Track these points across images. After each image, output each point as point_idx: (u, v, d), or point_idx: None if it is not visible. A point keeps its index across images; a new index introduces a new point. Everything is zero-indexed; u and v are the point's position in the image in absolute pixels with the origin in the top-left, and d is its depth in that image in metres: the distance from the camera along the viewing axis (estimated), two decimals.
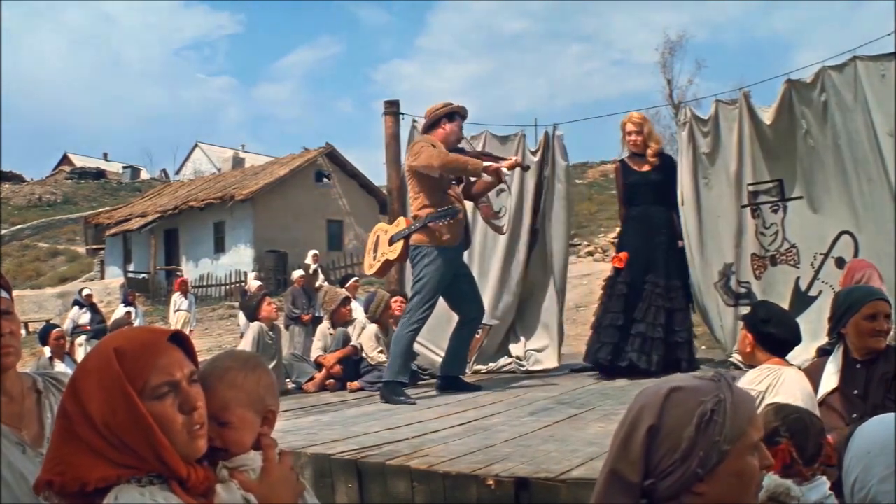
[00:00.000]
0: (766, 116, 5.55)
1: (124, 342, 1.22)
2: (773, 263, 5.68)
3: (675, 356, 5.30)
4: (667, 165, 5.66)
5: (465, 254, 6.41)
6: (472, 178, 5.27)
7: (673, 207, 5.66)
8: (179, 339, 1.27)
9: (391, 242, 5.22)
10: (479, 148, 6.10)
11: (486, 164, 4.94)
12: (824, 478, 2.00)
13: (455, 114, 5.19)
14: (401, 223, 5.29)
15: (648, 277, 5.40)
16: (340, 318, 6.27)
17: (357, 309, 7.27)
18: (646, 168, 5.56)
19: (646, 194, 5.57)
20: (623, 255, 5.50)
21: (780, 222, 5.65)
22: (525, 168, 5.75)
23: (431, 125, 5.20)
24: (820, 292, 5.48)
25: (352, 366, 5.87)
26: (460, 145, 5.29)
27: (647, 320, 5.31)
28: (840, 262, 5.37)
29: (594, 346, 5.55)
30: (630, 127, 5.55)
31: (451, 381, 5.30)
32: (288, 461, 1.39)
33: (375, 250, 5.38)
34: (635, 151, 5.57)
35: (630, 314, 5.37)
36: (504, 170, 5.05)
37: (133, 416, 1.16)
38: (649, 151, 5.54)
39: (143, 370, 1.19)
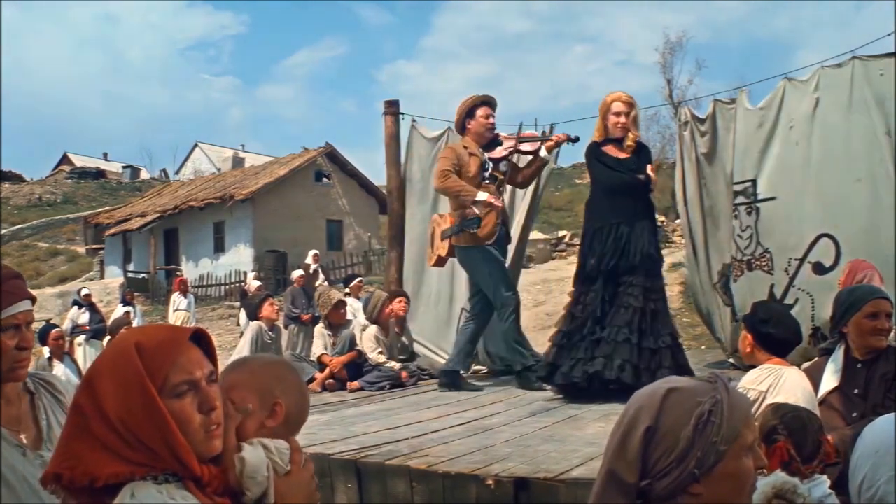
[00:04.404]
0: (757, 113, 5.44)
1: (145, 338, 1.20)
2: (750, 268, 5.47)
3: (659, 365, 4.49)
4: (643, 153, 4.96)
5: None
6: (531, 162, 5.38)
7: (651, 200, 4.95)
8: (198, 339, 1.26)
9: (442, 238, 5.32)
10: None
11: (478, 198, 5.04)
12: (824, 476, 2.00)
13: (474, 108, 5.25)
14: (446, 220, 5.33)
15: (623, 278, 4.66)
16: (336, 321, 6.25)
17: (358, 310, 7.27)
18: (624, 156, 4.85)
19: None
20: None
21: (753, 225, 5.41)
22: (574, 140, 5.41)
23: (462, 127, 5.32)
24: (796, 300, 5.19)
25: (353, 366, 5.88)
26: (497, 132, 5.33)
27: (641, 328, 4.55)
28: (818, 267, 5.12)
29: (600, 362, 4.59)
30: (620, 106, 4.82)
31: (450, 375, 5.30)
32: (311, 468, 1.38)
33: (432, 244, 5.50)
34: (618, 136, 4.85)
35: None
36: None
37: (151, 412, 1.14)
38: (631, 136, 4.83)
39: (163, 367, 1.17)
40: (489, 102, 5.32)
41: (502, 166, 5.26)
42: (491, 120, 5.28)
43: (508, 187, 5.81)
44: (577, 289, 4.85)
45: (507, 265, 5.44)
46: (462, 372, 5.47)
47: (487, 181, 5.21)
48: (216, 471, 1.22)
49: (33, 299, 1.63)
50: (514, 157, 5.31)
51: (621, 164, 4.80)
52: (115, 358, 1.19)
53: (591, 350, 4.57)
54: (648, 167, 4.81)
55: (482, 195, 5.08)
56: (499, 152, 5.25)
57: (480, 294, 5.32)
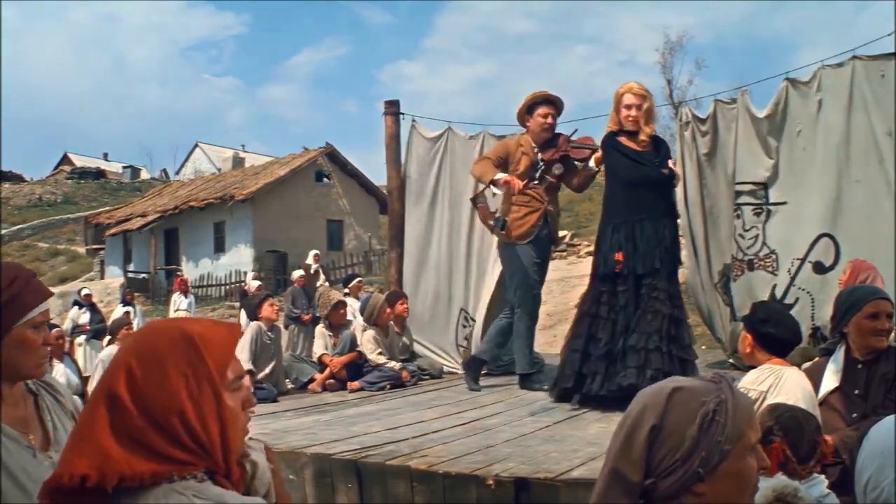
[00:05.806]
0: (762, 116, 5.43)
1: (205, 331, 1.14)
2: (751, 268, 5.46)
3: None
4: (662, 147, 4.66)
5: (464, 255, 6.46)
6: (580, 170, 5.19)
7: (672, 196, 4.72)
8: None
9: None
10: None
11: (496, 177, 4.94)
12: (822, 476, 2.00)
13: (535, 105, 5.16)
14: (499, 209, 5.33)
15: (646, 280, 4.37)
16: (336, 322, 6.28)
17: (358, 310, 7.24)
18: (642, 149, 4.52)
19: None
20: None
21: (761, 226, 5.42)
22: None
23: (523, 121, 5.27)
24: (796, 299, 5.22)
25: (354, 366, 5.88)
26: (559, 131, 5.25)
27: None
28: (818, 267, 5.16)
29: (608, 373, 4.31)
30: (631, 99, 4.51)
31: (473, 362, 5.42)
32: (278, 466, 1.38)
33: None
34: (630, 129, 4.55)
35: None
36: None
37: (219, 407, 1.10)
38: (646, 130, 4.53)
39: (225, 362, 1.14)
40: (553, 102, 5.18)
41: (555, 170, 5.12)
42: (549, 120, 5.13)
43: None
44: (595, 287, 4.55)
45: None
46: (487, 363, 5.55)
47: (536, 182, 5.10)
48: (240, 471, 1.20)
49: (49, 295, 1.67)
50: (569, 162, 5.19)
51: (642, 157, 4.49)
52: (173, 348, 1.11)
53: (622, 360, 4.24)
54: (669, 162, 4.60)
55: (500, 175, 4.96)
56: (549, 155, 5.14)
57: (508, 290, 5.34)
